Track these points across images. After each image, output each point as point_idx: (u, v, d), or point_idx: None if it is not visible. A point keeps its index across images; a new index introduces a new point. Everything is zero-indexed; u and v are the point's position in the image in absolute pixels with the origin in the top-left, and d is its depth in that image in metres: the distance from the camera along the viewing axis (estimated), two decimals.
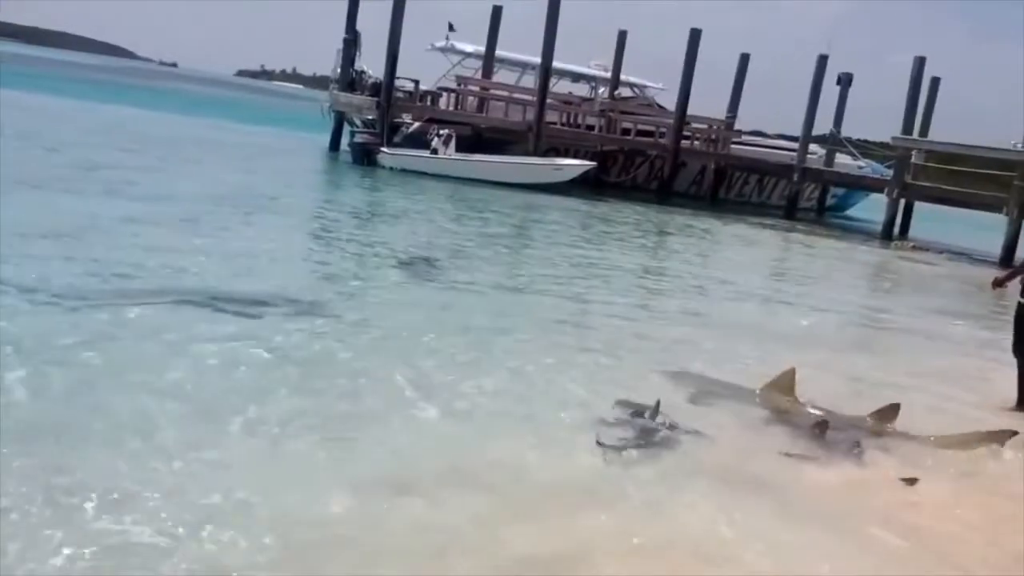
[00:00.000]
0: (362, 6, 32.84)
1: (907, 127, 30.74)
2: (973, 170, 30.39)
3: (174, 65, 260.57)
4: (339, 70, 32.98)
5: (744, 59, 35.93)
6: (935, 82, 33.80)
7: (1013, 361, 9.38)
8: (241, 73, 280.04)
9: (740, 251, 22.89)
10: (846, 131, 36.22)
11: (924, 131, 32.56)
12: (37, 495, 4.95)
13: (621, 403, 7.45)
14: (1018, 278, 9.47)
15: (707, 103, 41.82)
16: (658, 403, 7.29)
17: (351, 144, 31.10)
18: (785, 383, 8.04)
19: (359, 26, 32.91)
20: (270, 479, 5.53)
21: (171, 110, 44.23)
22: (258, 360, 7.79)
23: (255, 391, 6.96)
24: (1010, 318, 9.60)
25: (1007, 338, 9.59)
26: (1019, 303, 9.32)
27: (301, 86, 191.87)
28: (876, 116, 55.35)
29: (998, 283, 9.92)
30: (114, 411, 6.25)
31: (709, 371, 8.96)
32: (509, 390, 7.77)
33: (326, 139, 34.77)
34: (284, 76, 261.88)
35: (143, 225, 13.39)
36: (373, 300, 10.82)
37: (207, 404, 6.58)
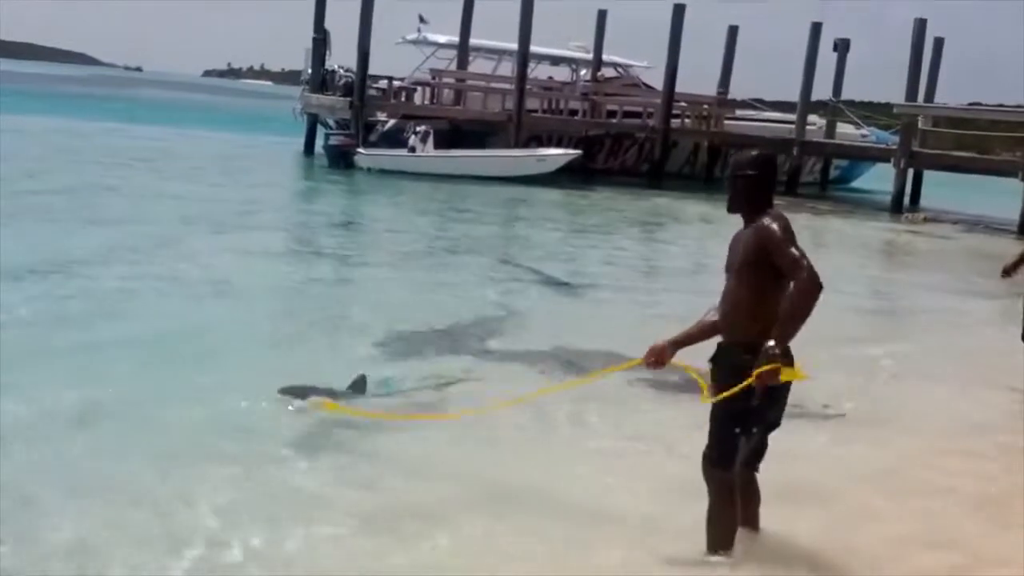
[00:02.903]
0: (330, 3, 31.57)
1: (911, 94, 29.02)
2: (985, 133, 29.02)
3: (139, 69, 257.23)
4: (309, 71, 31.61)
5: (733, 31, 34.49)
6: (938, 43, 32.10)
7: None
8: (208, 73, 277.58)
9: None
10: (846, 94, 34.83)
11: (930, 96, 31.10)
12: None
13: None
14: None
15: (698, 74, 40.01)
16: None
17: (325, 147, 29.60)
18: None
19: (327, 24, 31.69)
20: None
21: (139, 120, 42.32)
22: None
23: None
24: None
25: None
26: None
27: (270, 83, 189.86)
28: (878, 75, 53.69)
29: (1007, 272, 9.38)
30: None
31: None
32: None
33: (299, 141, 33.19)
34: (252, 73, 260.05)
35: (121, 254, 12.68)
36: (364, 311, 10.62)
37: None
